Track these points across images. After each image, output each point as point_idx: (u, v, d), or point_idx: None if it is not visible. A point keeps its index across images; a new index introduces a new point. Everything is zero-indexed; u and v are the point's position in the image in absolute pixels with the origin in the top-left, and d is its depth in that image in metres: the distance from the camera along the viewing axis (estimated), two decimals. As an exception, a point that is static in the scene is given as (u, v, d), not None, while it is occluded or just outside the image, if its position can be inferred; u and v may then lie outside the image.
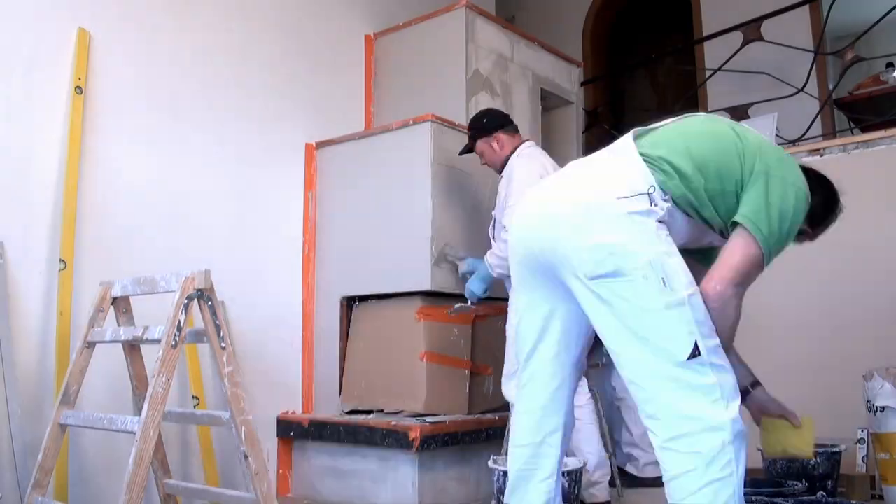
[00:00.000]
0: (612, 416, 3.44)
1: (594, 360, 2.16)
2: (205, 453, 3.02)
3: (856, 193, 3.46)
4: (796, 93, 4.28)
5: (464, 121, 3.63)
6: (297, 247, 3.68)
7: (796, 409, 2.87)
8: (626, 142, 1.83)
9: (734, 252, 1.72)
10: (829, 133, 4.58)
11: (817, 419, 3.42)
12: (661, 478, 1.67)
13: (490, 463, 2.64)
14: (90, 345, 2.41)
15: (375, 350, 3.44)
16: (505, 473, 2.52)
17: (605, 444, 3.02)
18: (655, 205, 1.69)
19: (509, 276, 2.45)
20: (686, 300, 1.63)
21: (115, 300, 2.48)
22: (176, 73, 3.23)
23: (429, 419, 3.11)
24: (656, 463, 1.68)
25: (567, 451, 2.98)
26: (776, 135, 3.93)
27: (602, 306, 1.67)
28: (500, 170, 3.08)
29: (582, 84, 4.65)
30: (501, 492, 2.51)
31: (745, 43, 4.50)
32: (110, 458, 2.83)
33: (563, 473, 2.48)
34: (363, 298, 3.57)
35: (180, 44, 3.27)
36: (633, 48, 6.38)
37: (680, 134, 1.82)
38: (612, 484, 2.98)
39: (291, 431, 3.41)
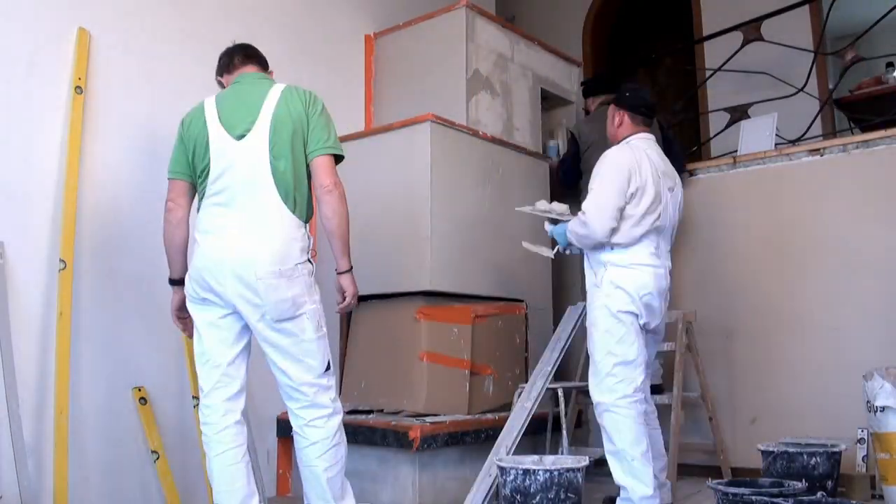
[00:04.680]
0: None
1: None
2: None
3: (856, 193, 3.49)
4: (796, 93, 4.27)
5: (464, 121, 3.63)
6: (297, 247, 3.67)
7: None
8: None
9: None
10: (829, 133, 4.58)
11: (817, 419, 3.43)
12: None
13: (496, 461, 2.65)
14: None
15: (375, 350, 3.44)
16: (507, 470, 2.53)
17: None
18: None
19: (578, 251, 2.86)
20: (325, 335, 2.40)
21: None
22: (176, 72, 3.23)
23: (429, 419, 3.11)
24: None
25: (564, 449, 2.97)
26: (776, 134, 3.93)
27: None
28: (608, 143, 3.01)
29: (582, 84, 4.64)
30: (518, 492, 2.52)
31: (745, 43, 4.50)
32: (111, 458, 2.83)
33: (571, 470, 2.50)
34: (363, 298, 3.54)
35: (180, 44, 3.27)
36: (633, 48, 6.37)
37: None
38: None
39: (291, 431, 3.40)
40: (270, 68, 2.62)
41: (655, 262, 2.75)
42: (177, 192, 2.46)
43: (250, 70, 2.52)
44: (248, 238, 2.27)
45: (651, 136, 2.93)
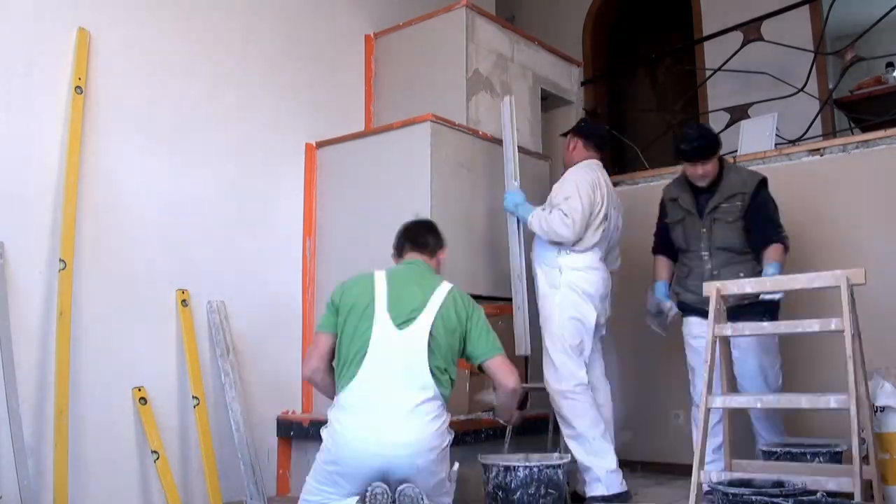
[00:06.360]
0: None
1: None
2: (205, 455, 3.02)
3: (856, 193, 3.50)
4: (796, 93, 4.28)
5: (464, 121, 3.63)
6: (297, 246, 3.68)
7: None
8: None
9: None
10: (829, 133, 4.58)
11: (816, 419, 3.42)
12: None
13: (480, 458, 2.67)
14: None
15: (375, 350, 3.43)
16: (489, 467, 2.53)
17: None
18: None
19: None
20: None
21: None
22: (176, 72, 3.23)
23: (429, 419, 3.10)
24: None
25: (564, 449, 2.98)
26: (776, 135, 3.93)
27: None
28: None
29: (582, 84, 4.64)
30: (500, 488, 2.54)
31: (745, 43, 4.50)
32: (111, 458, 2.83)
33: (550, 466, 2.55)
34: (363, 298, 3.56)
35: (180, 44, 3.27)
36: (633, 48, 6.38)
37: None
38: None
39: (291, 431, 3.41)
40: (442, 247, 2.73)
41: (602, 267, 3.16)
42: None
43: (419, 258, 2.65)
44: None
45: (599, 162, 3.30)
